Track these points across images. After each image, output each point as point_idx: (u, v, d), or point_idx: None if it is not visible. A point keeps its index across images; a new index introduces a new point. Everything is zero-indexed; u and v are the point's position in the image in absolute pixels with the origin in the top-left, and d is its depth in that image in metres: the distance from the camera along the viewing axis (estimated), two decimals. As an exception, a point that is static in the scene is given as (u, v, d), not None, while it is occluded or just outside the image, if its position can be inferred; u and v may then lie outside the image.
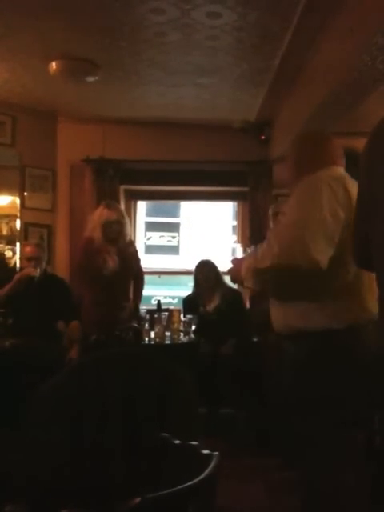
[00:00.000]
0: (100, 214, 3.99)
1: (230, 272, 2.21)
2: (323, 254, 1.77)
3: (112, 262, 3.79)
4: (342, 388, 1.88)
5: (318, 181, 1.93)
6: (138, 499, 0.75)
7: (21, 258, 4.21)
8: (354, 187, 1.83)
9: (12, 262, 4.72)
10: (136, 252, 4.30)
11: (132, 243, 4.37)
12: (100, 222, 3.93)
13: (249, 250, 2.20)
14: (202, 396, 3.93)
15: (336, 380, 1.89)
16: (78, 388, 1.43)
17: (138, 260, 4.27)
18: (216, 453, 0.85)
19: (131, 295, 4.21)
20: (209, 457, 0.85)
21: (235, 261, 2.15)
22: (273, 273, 1.85)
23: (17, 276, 3.77)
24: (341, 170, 2.08)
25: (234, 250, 2.30)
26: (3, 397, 3.24)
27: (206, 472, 0.81)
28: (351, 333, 1.88)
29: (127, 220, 4.15)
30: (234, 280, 2.23)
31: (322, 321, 1.88)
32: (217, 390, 4.05)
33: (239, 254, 2.26)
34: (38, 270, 3.83)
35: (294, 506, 1.97)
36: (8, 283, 3.83)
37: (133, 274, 4.17)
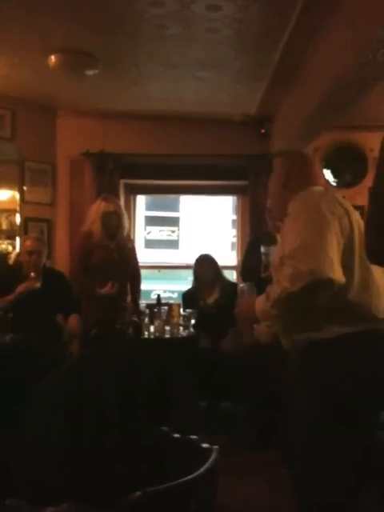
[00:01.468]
0: (98, 207, 4.01)
1: (240, 314, 2.15)
2: (339, 271, 1.79)
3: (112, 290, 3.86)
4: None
5: (311, 198, 2.00)
6: (139, 493, 0.75)
7: (21, 252, 4.19)
8: (342, 198, 1.99)
9: (12, 256, 4.71)
10: (134, 248, 4.32)
11: (130, 239, 4.39)
12: (98, 215, 3.95)
13: (244, 287, 2.22)
14: (202, 390, 3.96)
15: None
16: (77, 385, 1.43)
17: (135, 256, 4.30)
18: (216, 447, 0.85)
19: (129, 290, 4.24)
20: (208, 450, 0.85)
21: (245, 302, 2.12)
22: (292, 301, 1.82)
23: (19, 288, 3.75)
24: (323, 189, 2.16)
25: (242, 290, 2.27)
26: (3, 394, 3.25)
27: (206, 465, 0.81)
28: (363, 340, 1.89)
29: (125, 213, 4.16)
30: (246, 320, 2.23)
31: (337, 330, 1.89)
32: (217, 383, 4.06)
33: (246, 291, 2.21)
34: (40, 282, 3.80)
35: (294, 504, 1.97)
36: (7, 281, 3.84)
37: (131, 271, 4.19)
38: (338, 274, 1.77)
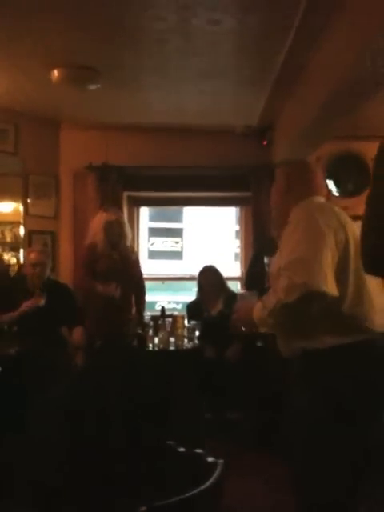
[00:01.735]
0: (99, 218, 4.05)
1: (238, 320, 2.19)
2: (332, 284, 1.86)
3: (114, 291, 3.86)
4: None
5: (310, 210, 2.05)
6: (144, 508, 0.75)
7: (25, 265, 4.20)
8: (341, 211, 2.05)
9: (15, 269, 4.73)
10: (138, 260, 4.34)
11: (133, 250, 4.40)
12: (100, 225, 3.98)
13: (245, 294, 2.24)
14: (207, 401, 3.94)
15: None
16: (81, 394, 1.44)
17: (139, 268, 4.31)
18: (221, 461, 0.85)
19: (133, 302, 4.24)
20: (214, 465, 0.86)
21: (243, 308, 2.15)
22: (289, 310, 1.88)
23: (23, 306, 3.75)
24: (323, 200, 2.21)
25: (241, 296, 2.32)
26: (8, 403, 3.25)
27: (211, 480, 0.81)
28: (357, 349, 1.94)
29: (126, 222, 4.19)
30: (243, 325, 2.25)
31: (330, 340, 1.93)
32: (222, 394, 4.05)
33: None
34: (44, 299, 3.80)
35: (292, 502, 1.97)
36: (11, 294, 3.86)
37: (135, 282, 4.20)
38: (331, 287, 1.84)
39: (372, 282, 2.00)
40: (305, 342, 1.97)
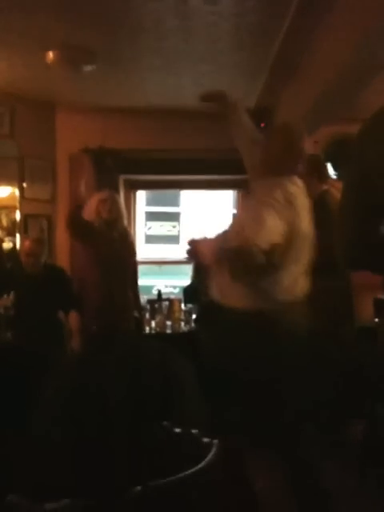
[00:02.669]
0: (94, 198, 4.03)
1: (192, 253, 2.47)
2: (267, 244, 2.20)
3: None
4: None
5: (275, 193, 2.30)
6: (139, 488, 0.75)
7: (21, 251, 4.20)
8: (303, 200, 2.40)
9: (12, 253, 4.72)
10: (133, 243, 4.33)
11: (129, 233, 4.39)
12: (94, 204, 3.97)
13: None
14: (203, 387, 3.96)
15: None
16: (79, 382, 1.43)
17: (134, 251, 4.31)
18: (215, 440, 0.85)
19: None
20: (209, 445, 0.86)
21: (195, 242, 2.46)
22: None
23: None
24: (297, 182, 2.45)
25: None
26: (4, 395, 3.25)
27: (207, 459, 0.81)
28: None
29: (121, 201, 4.17)
30: (198, 260, 2.58)
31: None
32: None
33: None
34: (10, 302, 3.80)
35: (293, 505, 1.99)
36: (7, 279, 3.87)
37: (132, 265, 4.19)
38: (264, 245, 2.19)
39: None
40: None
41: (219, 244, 2.31)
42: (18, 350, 3.50)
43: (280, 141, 2.51)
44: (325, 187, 3.42)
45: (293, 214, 2.29)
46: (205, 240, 2.42)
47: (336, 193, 3.29)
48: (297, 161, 2.48)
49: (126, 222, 4.20)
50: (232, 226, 2.46)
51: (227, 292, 2.39)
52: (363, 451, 3.07)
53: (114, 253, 3.91)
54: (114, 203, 3.99)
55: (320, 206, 3.21)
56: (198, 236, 2.49)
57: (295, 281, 2.39)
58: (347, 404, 3.40)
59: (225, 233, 2.38)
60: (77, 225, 3.86)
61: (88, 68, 3.88)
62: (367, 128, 1.36)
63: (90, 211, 4.00)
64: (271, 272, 2.29)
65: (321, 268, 2.82)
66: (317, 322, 3.13)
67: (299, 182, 2.46)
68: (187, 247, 2.48)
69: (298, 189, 2.41)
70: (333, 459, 3.01)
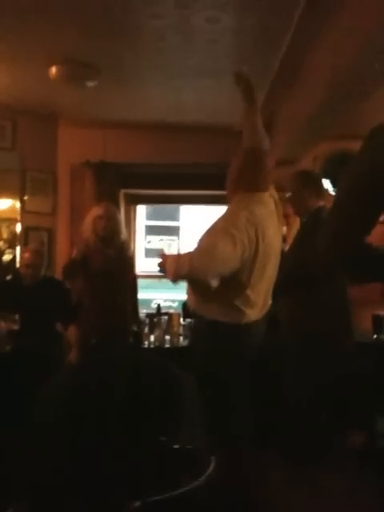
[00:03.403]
0: (91, 213, 4.04)
1: (161, 265, 2.61)
2: (217, 279, 2.38)
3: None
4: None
5: (240, 216, 2.46)
6: (138, 503, 0.76)
7: (20, 263, 4.20)
8: (270, 219, 2.58)
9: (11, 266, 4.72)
10: (131, 258, 4.33)
11: (128, 247, 4.39)
12: (91, 220, 3.97)
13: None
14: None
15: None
16: (78, 389, 1.43)
17: (134, 265, 4.31)
18: (213, 456, 0.85)
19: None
20: (207, 460, 0.86)
21: (164, 257, 2.61)
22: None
23: None
24: (265, 199, 2.62)
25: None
26: (5, 398, 3.25)
27: (205, 475, 0.81)
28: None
29: (118, 217, 4.17)
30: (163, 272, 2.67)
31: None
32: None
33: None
34: (18, 324, 3.79)
35: (293, 503, 1.98)
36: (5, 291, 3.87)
37: (131, 279, 4.19)
38: (214, 282, 2.37)
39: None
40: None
41: (177, 267, 2.47)
42: (19, 355, 3.51)
43: (243, 159, 2.68)
44: (321, 203, 3.44)
45: (256, 237, 2.43)
46: (172, 257, 2.55)
47: None
48: (262, 178, 2.62)
49: (124, 235, 4.21)
50: (195, 247, 2.59)
51: (198, 302, 2.62)
52: (361, 461, 3.08)
53: (110, 269, 3.92)
54: (110, 219, 3.99)
55: (315, 221, 3.24)
56: (169, 251, 2.66)
57: (260, 296, 2.55)
58: (346, 416, 3.40)
59: (185, 255, 2.51)
60: (70, 276, 3.98)
61: (90, 83, 3.91)
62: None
63: (86, 227, 4.01)
64: (237, 288, 2.46)
65: (315, 280, 2.91)
66: (314, 325, 3.17)
67: (269, 200, 2.63)
68: (158, 260, 2.63)
69: (264, 209, 2.57)
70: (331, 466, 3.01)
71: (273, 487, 3.05)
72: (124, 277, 4.10)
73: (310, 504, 2.74)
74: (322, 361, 3.13)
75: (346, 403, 3.39)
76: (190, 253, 2.48)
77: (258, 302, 2.56)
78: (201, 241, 2.58)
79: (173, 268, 2.48)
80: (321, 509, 2.73)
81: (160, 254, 2.66)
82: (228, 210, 2.65)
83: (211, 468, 0.83)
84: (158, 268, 2.65)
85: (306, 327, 3.20)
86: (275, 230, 2.63)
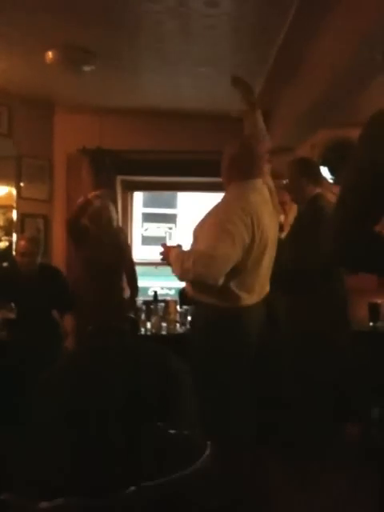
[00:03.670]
0: (85, 202, 4.04)
1: (163, 254, 2.66)
2: (222, 278, 2.44)
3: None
4: None
5: (234, 207, 2.53)
6: (133, 488, 0.75)
7: (16, 252, 4.18)
8: (265, 206, 2.61)
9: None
10: (126, 239, 4.33)
11: (122, 230, 4.38)
12: (86, 209, 3.98)
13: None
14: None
15: None
16: (77, 381, 1.43)
17: (129, 248, 4.30)
18: (209, 441, 0.85)
19: (125, 285, 4.23)
20: (203, 445, 0.86)
21: (166, 247, 2.66)
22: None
23: None
24: (258, 186, 2.66)
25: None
26: (2, 388, 3.25)
27: (201, 460, 0.81)
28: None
29: (111, 203, 4.17)
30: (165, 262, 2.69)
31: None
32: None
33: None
34: (14, 313, 3.77)
35: (292, 501, 1.99)
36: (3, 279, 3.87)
37: (126, 264, 4.19)
38: (219, 280, 2.43)
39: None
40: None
41: (182, 273, 2.50)
42: (16, 349, 3.51)
43: (237, 148, 2.74)
44: (318, 190, 3.43)
45: (251, 224, 2.47)
46: (174, 257, 2.56)
47: (331, 196, 3.30)
48: (257, 165, 2.65)
49: (120, 223, 4.21)
50: (192, 243, 2.66)
51: (196, 288, 2.63)
52: (359, 454, 3.09)
53: (104, 257, 3.92)
54: (105, 209, 4.00)
55: (313, 208, 3.24)
56: (170, 241, 2.70)
57: (257, 281, 2.60)
58: (343, 407, 3.41)
59: (187, 259, 2.49)
60: (75, 229, 4.00)
61: (87, 68, 3.87)
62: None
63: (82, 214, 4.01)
64: (235, 273, 2.49)
65: (313, 277, 2.93)
66: (313, 324, 3.18)
67: (262, 187, 2.67)
68: (161, 249, 2.67)
69: (258, 195, 2.61)
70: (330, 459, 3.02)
71: (273, 487, 3.06)
72: (119, 264, 4.10)
73: (310, 504, 2.74)
74: (322, 360, 3.14)
75: (344, 396, 3.40)
76: (191, 256, 2.48)
77: (256, 287, 2.60)
78: (196, 237, 2.64)
79: (177, 272, 2.53)
80: (321, 508, 2.74)
81: (162, 244, 2.71)
82: (223, 200, 2.72)
83: (207, 452, 0.83)
84: (161, 256, 2.69)
85: (305, 327, 3.20)
86: (270, 216, 2.65)
